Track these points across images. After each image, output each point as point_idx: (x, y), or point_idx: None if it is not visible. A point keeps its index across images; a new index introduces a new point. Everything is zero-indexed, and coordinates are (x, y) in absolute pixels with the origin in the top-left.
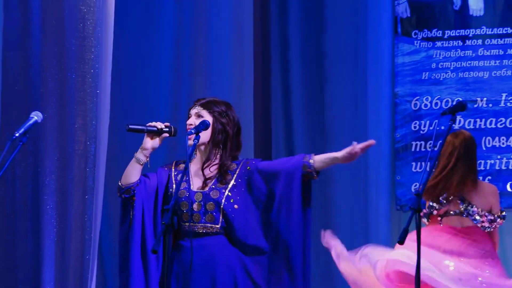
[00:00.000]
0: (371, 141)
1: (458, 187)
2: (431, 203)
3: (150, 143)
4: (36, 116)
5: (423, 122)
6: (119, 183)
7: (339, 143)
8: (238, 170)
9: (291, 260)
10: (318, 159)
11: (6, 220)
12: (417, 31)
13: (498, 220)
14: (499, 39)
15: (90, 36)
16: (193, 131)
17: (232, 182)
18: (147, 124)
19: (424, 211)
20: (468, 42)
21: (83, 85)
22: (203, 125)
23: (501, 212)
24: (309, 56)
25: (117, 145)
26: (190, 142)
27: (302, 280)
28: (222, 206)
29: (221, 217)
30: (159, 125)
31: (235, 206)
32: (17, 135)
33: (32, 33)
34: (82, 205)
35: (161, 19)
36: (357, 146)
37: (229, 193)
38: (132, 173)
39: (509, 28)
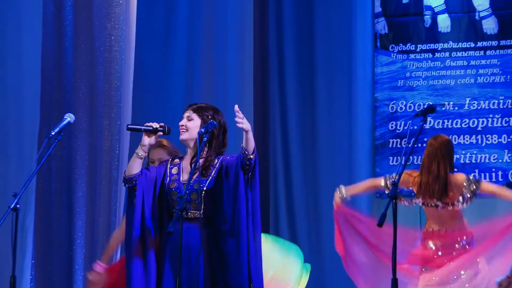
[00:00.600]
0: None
1: (442, 186)
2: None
3: (147, 140)
4: (69, 117)
5: (399, 122)
6: (124, 175)
7: (326, 140)
8: (217, 165)
9: (239, 234)
10: (244, 142)
11: (43, 206)
12: (393, 45)
13: (476, 191)
14: (463, 52)
15: (115, 49)
16: (203, 130)
17: (212, 175)
18: (145, 124)
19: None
20: (437, 55)
21: (109, 91)
22: (211, 125)
23: (475, 182)
24: (303, 67)
25: (137, 142)
26: (182, 137)
27: (254, 256)
28: (203, 196)
29: (202, 205)
30: (155, 125)
31: (214, 195)
32: (53, 133)
33: (66, 47)
34: (108, 193)
35: (176, 36)
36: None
37: (209, 185)
38: (134, 166)
39: (472, 43)
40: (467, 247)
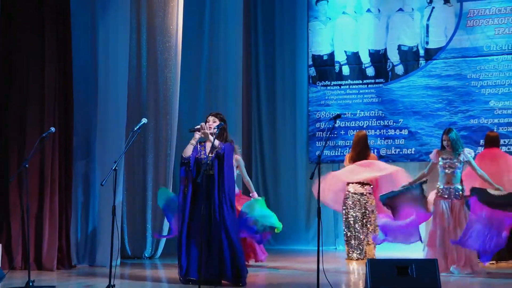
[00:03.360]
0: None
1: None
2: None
3: (197, 135)
4: (144, 120)
5: (321, 123)
6: (182, 155)
7: (282, 132)
8: (220, 147)
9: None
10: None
11: (129, 168)
12: (318, 82)
13: None
14: (356, 86)
15: (169, 82)
16: (218, 126)
17: (222, 153)
18: (195, 127)
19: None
20: (342, 87)
21: (166, 105)
22: (220, 125)
23: None
24: (269, 93)
25: (180, 137)
26: (209, 130)
27: (228, 188)
28: (213, 163)
29: (213, 168)
30: (201, 126)
31: (216, 164)
32: (135, 129)
33: (142, 78)
34: (164, 163)
35: (201, 75)
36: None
37: (215, 158)
38: (189, 150)
39: (360, 81)
40: None
